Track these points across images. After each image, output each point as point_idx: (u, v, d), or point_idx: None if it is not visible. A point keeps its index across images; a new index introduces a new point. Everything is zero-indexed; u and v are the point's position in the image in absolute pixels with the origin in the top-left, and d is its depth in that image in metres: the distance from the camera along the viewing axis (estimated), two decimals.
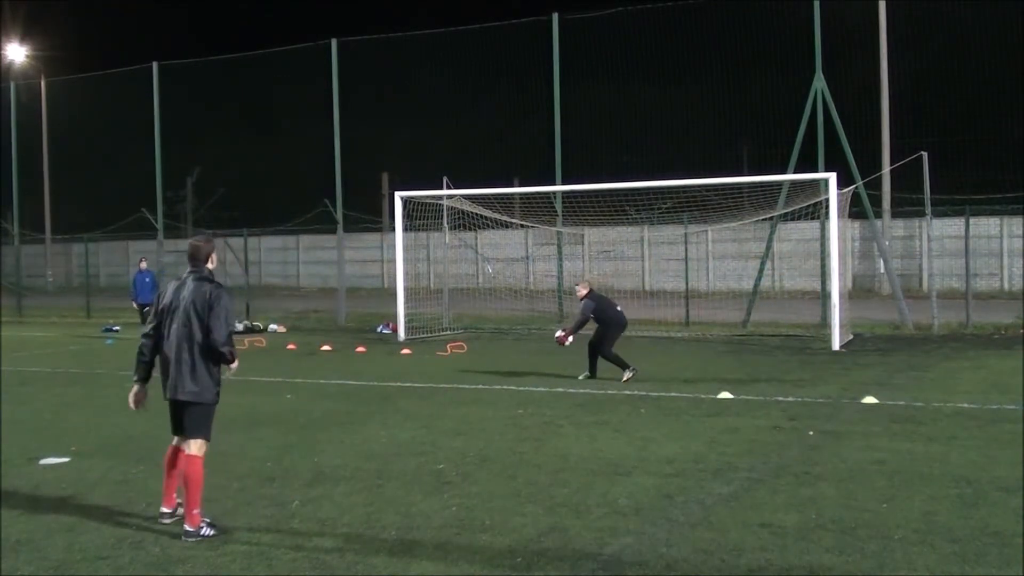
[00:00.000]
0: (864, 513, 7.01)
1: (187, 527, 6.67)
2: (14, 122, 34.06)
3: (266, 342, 21.26)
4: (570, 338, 14.62)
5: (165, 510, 7.01)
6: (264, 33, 65.37)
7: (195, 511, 6.68)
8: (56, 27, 57.87)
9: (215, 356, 6.76)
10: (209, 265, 6.98)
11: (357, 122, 30.84)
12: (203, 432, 6.85)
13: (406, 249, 22.74)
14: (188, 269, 6.96)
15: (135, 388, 7.03)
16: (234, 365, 6.88)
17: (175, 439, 7.00)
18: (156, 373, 7.02)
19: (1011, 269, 30.97)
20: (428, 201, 23.57)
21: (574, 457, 9.05)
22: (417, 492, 7.82)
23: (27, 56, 50.48)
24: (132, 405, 7.05)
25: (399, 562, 6.15)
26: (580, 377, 14.31)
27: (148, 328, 6.97)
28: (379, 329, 23.55)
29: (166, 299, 6.91)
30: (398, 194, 22.53)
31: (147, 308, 22.67)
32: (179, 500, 6.95)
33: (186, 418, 6.83)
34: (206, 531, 6.68)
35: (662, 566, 5.98)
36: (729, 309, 24.18)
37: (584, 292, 14.53)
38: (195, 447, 6.80)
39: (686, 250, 25.30)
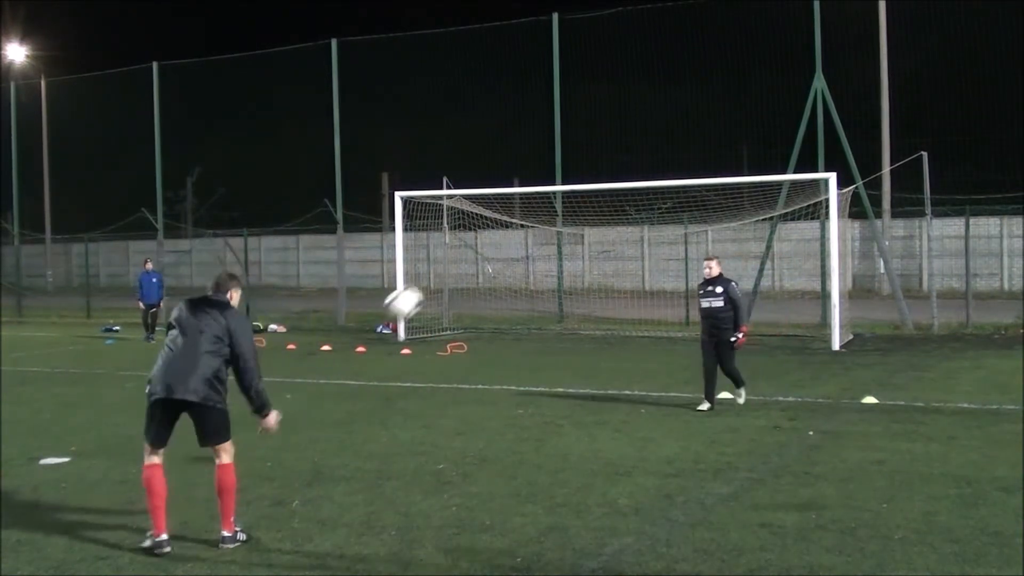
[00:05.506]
0: (864, 513, 7.01)
1: (225, 533, 6.52)
2: (14, 122, 34.04)
3: (266, 342, 21.23)
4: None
5: (164, 537, 6.40)
6: (264, 33, 65.47)
7: (232, 517, 6.56)
8: (56, 27, 57.96)
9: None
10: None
11: (357, 122, 30.81)
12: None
13: (406, 249, 22.74)
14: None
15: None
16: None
17: (151, 456, 6.52)
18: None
19: (1011, 269, 30.94)
20: (428, 201, 23.57)
21: (574, 457, 9.05)
22: (417, 492, 7.82)
23: (27, 56, 50.43)
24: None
25: (399, 562, 6.15)
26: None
27: None
28: (379, 329, 23.52)
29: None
30: (398, 194, 22.54)
31: (153, 309, 22.63)
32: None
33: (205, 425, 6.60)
34: (241, 535, 6.57)
35: (662, 566, 5.98)
36: None
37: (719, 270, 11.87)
38: (226, 455, 6.61)
39: (686, 250, 25.27)
